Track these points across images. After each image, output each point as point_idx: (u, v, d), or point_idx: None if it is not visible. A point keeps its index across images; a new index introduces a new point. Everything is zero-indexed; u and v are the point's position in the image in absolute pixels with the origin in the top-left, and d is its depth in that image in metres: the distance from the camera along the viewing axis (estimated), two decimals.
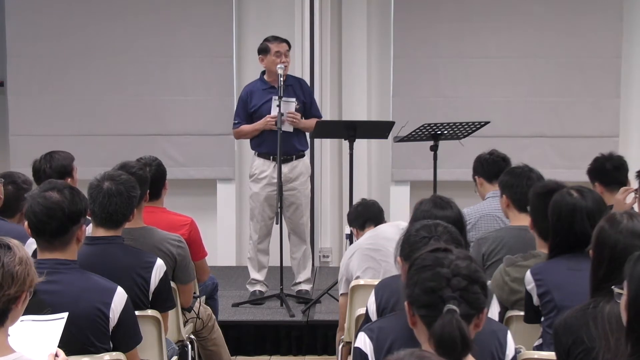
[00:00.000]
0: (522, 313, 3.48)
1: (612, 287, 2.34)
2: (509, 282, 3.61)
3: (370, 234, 4.45)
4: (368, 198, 5.17)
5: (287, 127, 5.93)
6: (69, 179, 4.44)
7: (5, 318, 2.30)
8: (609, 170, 4.60)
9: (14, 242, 2.33)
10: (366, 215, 4.76)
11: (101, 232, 3.56)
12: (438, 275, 2.23)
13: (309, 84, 6.81)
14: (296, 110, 6.03)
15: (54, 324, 2.66)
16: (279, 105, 5.81)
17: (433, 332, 2.17)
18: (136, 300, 3.46)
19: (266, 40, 6.13)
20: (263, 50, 6.11)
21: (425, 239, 2.77)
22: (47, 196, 3.00)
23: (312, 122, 6.06)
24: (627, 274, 2.17)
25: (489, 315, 2.82)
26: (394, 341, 2.45)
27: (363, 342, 2.52)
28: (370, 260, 4.28)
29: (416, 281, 2.27)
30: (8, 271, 2.26)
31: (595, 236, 2.70)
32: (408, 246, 2.80)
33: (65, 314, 2.71)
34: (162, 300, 3.63)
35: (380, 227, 4.53)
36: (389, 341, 2.46)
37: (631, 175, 4.77)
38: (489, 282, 3.65)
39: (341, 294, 4.48)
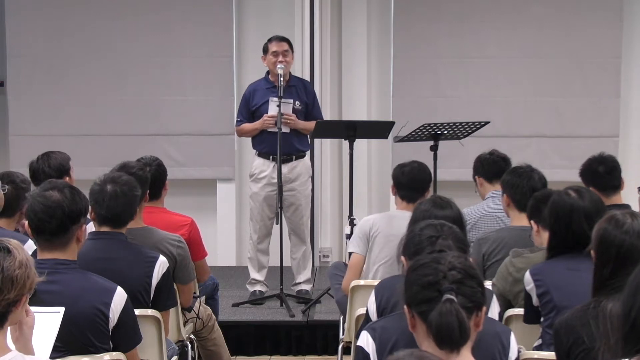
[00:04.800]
0: (522, 312, 3.48)
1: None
2: (514, 272, 3.63)
3: (399, 235, 4.36)
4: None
5: (285, 128, 5.92)
6: (67, 178, 4.44)
7: (4, 320, 2.30)
8: (602, 175, 4.52)
9: (13, 244, 2.32)
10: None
11: (105, 229, 3.58)
12: (435, 270, 2.26)
13: None
14: (294, 110, 6.02)
15: (51, 318, 2.66)
16: (278, 105, 5.81)
17: (430, 321, 2.18)
18: (137, 296, 3.48)
19: (268, 40, 6.14)
20: (263, 50, 6.13)
21: (433, 238, 2.77)
22: (47, 195, 3.00)
23: (311, 124, 6.05)
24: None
25: (490, 315, 2.82)
26: (397, 341, 2.45)
27: (365, 341, 2.51)
28: (390, 269, 4.29)
29: (414, 280, 2.28)
30: (8, 276, 2.25)
31: (598, 237, 2.70)
32: (413, 246, 2.80)
33: (62, 309, 2.71)
34: (164, 298, 3.64)
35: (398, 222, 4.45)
36: (391, 341, 2.46)
37: (634, 175, 4.75)
38: (488, 283, 3.67)
39: (352, 252, 4.51)
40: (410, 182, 4.53)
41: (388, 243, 4.37)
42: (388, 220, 4.49)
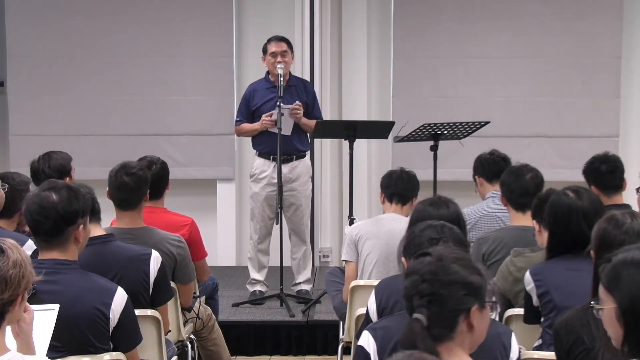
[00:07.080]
0: (522, 312, 3.48)
1: (591, 303, 2.28)
2: (514, 272, 3.63)
3: (388, 232, 4.43)
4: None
5: (286, 131, 5.92)
6: (67, 179, 4.44)
7: (1, 320, 2.29)
8: (604, 174, 4.52)
9: (8, 244, 2.31)
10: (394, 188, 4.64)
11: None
12: (410, 282, 2.21)
13: None
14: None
15: (46, 315, 2.66)
16: (279, 106, 5.80)
17: (401, 342, 2.15)
18: (138, 295, 3.48)
19: (267, 40, 6.14)
20: (263, 51, 6.13)
21: (433, 241, 2.76)
22: (43, 196, 3.01)
23: (312, 122, 6.06)
24: (610, 284, 2.13)
25: None
26: (398, 342, 2.44)
27: (367, 341, 2.51)
28: (383, 267, 4.31)
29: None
30: (1, 276, 2.24)
31: (598, 237, 2.70)
32: (414, 247, 2.79)
33: (57, 306, 2.71)
34: (162, 291, 3.66)
35: (394, 226, 4.48)
36: (393, 341, 2.46)
37: (634, 175, 4.75)
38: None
39: (346, 261, 4.57)
40: (402, 182, 4.62)
41: (377, 242, 4.46)
42: (375, 223, 4.60)
